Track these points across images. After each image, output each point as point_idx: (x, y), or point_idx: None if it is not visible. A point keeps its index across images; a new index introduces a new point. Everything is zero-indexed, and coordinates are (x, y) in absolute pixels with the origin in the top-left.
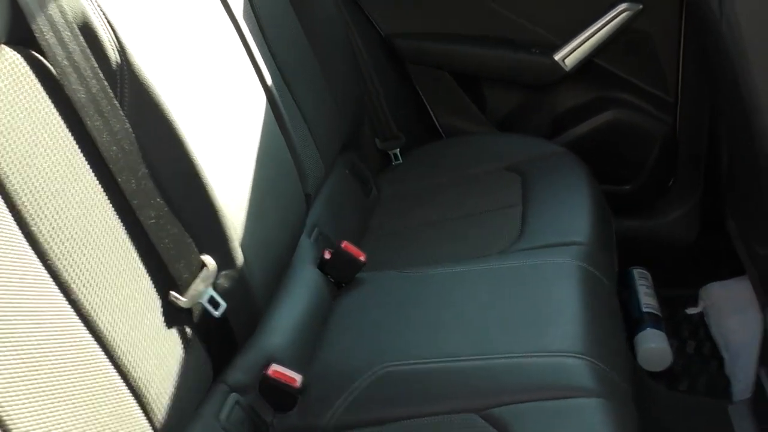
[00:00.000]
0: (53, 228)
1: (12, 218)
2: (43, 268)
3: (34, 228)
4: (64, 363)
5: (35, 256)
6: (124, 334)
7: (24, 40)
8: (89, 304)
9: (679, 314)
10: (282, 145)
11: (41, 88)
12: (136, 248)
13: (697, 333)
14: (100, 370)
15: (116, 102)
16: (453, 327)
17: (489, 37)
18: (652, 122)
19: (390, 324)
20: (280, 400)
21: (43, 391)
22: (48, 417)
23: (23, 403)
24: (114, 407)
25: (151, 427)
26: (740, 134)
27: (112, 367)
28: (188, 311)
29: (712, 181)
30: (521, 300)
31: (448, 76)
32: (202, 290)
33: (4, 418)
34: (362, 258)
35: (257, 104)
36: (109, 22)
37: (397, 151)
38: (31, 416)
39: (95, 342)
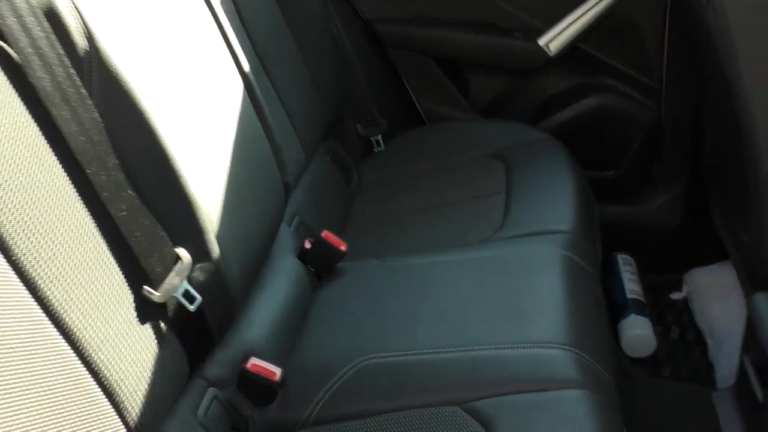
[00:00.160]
0: (18, 222)
1: None
2: (8, 264)
3: None
4: (31, 362)
5: None
6: (95, 331)
7: None
8: (57, 301)
9: (663, 300)
10: (260, 133)
11: (3, 76)
12: (106, 242)
13: (681, 319)
14: (69, 368)
15: (84, 90)
16: (434, 318)
17: (472, 22)
18: (637, 108)
19: (371, 316)
20: (260, 394)
21: (9, 393)
22: (14, 419)
23: None
24: (85, 407)
25: (124, 426)
26: (724, 121)
27: (82, 365)
28: (162, 306)
29: (696, 167)
30: (504, 290)
31: (431, 61)
32: (177, 284)
33: None
34: (343, 248)
35: (234, 92)
36: (75, 6)
37: (379, 137)
38: None
39: (64, 340)
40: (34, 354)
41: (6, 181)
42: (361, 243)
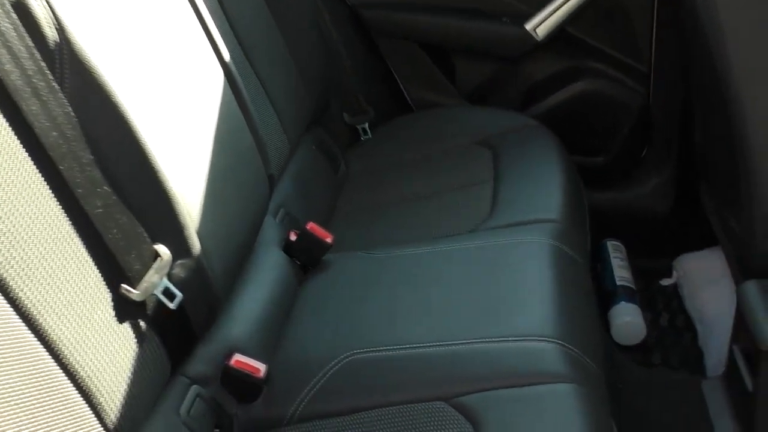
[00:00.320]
0: None
1: None
2: None
3: None
4: (2, 365)
5: None
6: (71, 331)
7: None
8: (30, 301)
9: (653, 286)
10: (242, 124)
11: None
12: (82, 240)
13: (671, 305)
14: (44, 370)
15: (55, 84)
16: (421, 311)
17: (459, 8)
18: (626, 93)
19: (356, 310)
20: (244, 391)
21: None
22: None
23: None
24: (61, 409)
25: (103, 428)
26: (714, 106)
27: (57, 367)
28: (141, 304)
29: (686, 152)
30: (491, 281)
31: (418, 48)
32: (156, 282)
33: None
34: (329, 240)
35: (214, 82)
36: None
37: (366, 125)
38: None
39: (38, 341)
40: (5, 356)
41: None
42: (348, 234)
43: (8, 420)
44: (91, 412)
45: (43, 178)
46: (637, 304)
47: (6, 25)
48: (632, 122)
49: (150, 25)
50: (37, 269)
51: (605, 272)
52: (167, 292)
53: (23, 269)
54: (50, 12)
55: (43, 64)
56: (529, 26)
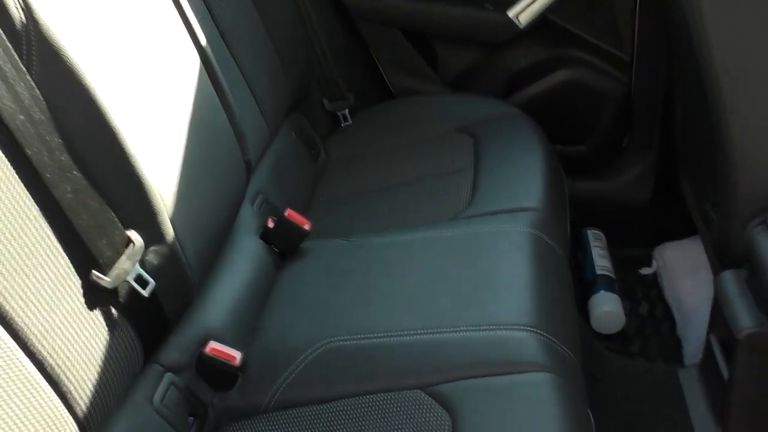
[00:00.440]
0: None
1: None
2: None
3: None
4: None
5: None
6: (38, 319)
7: None
8: None
9: (632, 275)
10: (218, 109)
11: None
12: (51, 225)
13: (650, 294)
14: (10, 359)
15: (22, 66)
16: (399, 299)
17: None
18: (608, 81)
19: (334, 297)
20: (220, 379)
21: None
22: None
23: None
24: (28, 398)
25: (72, 416)
26: (694, 96)
27: (24, 355)
28: (113, 291)
29: (667, 142)
30: (470, 270)
31: (399, 34)
32: (128, 268)
33: None
34: (307, 226)
35: (189, 65)
36: None
37: (346, 112)
38: None
39: (3, 329)
40: None
41: None
42: (327, 221)
43: None
44: (60, 401)
45: (9, 162)
46: (617, 294)
47: None
48: (614, 111)
49: (122, 5)
50: (5, 255)
51: (585, 261)
52: (140, 279)
53: None
54: None
55: (8, 45)
56: (511, 13)
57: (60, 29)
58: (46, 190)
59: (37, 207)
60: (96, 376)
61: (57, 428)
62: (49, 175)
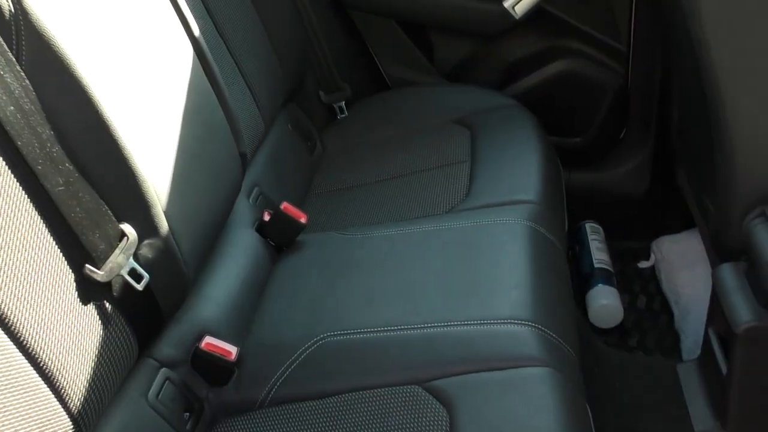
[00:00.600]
0: None
1: None
2: None
3: None
4: None
5: None
6: (31, 313)
7: None
8: None
9: (630, 268)
10: (213, 101)
11: None
12: (42, 218)
13: (648, 287)
14: (3, 354)
15: (11, 56)
16: (395, 293)
17: None
18: (605, 73)
19: (330, 291)
20: (215, 374)
21: None
22: None
23: None
24: (21, 393)
25: (66, 412)
26: (691, 89)
27: (17, 350)
28: (107, 285)
29: (664, 133)
30: (467, 263)
31: (395, 24)
32: (122, 262)
33: None
34: (303, 219)
35: (183, 57)
36: None
37: (343, 103)
38: None
39: None
40: None
41: None
42: (323, 215)
43: None
44: (53, 396)
45: None
46: (615, 287)
47: None
48: (610, 103)
49: None
50: None
51: (583, 254)
52: (134, 273)
53: None
54: None
55: None
56: (507, 4)
57: (50, 19)
58: (38, 182)
59: (28, 199)
60: (90, 371)
61: (51, 423)
62: (40, 167)
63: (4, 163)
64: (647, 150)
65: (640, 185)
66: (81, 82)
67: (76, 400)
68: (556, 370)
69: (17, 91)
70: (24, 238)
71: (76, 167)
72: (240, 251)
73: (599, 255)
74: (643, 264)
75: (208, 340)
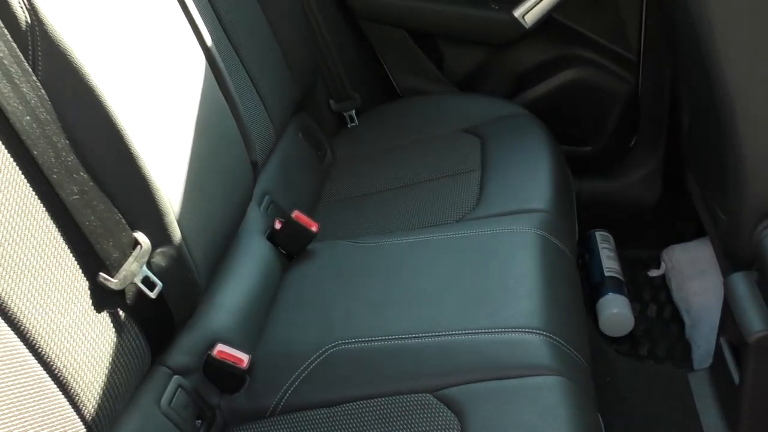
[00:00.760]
0: None
1: None
2: None
3: None
4: None
5: None
6: (46, 321)
7: None
8: (2, 290)
9: (641, 276)
10: (225, 110)
11: None
12: (58, 227)
13: (659, 296)
14: (18, 361)
15: (28, 66)
16: (406, 302)
17: None
18: (615, 81)
19: (341, 299)
20: (227, 381)
21: None
22: None
23: None
24: (36, 400)
25: (80, 419)
26: (701, 97)
27: (33, 357)
28: (120, 293)
29: (674, 142)
30: (478, 272)
31: (405, 33)
32: (135, 270)
33: None
34: (314, 228)
35: (195, 66)
36: None
37: (353, 112)
38: None
39: (11, 331)
40: None
41: None
42: (333, 224)
43: None
44: (68, 403)
45: (16, 163)
46: (626, 296)
47: None
48: (621, 111)
49: (127, 5)
50: (10, 257)
51: (593, 263)
52: (147, 281)
53: None
54: None
55: (14, 45)
56: (517, 13)
57: (65, 29)
58: (53, 191)
59: (44, 208)
60: (104, 378)
61: (65, 430)
62: (55, 176)
63: (20, 172)
64: (657, 158)
65: (650, 194)
66: (96, 91)
67: (89, 407)
68: (568, 379)
69: (33, 101)
70: (39, 246)
71: (90, 176)
72: (251, 259)
73: (609, 263)
74: (654, 272)
75: (220, 348)
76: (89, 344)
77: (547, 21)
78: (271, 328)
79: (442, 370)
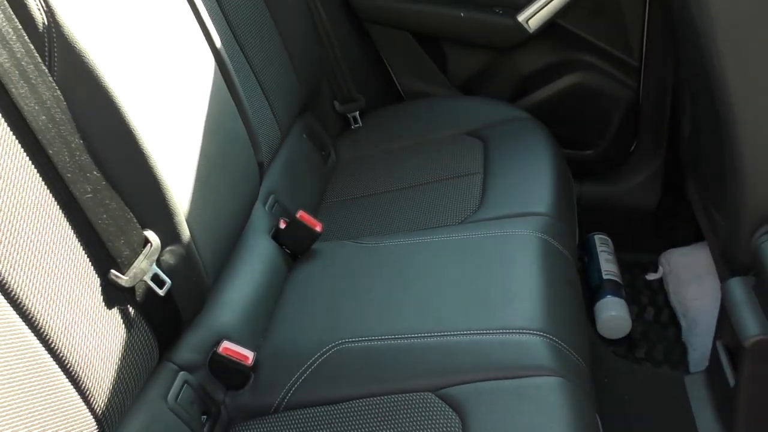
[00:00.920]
0: None
1: None
2: None
3: None
4: None
5: None
6: (59, 316)
7: None
8: (18, 285)
9: (639, 280)
10: (233, 111)
11: None
12: (71, 225)
13: (656, 299)
14: (32, 355)
15: (44, 67)
16: (409, 302)
17: None
18: (616, 86)
19: (345, 299)
20: (232, 378)
21: None
22: None
23: None
24: (49, 394)
25: (90, 413)
26: (702, 103)
27: (46, 351)
28: (130, 290)
29: (674, 147)
30: (480, 274)
31: (410, 36)
32: (145, 268)
33: None
34: (318, 228)
35: (205, 67)
36: None
37: (357, 114)
38: None
39: (26, 326)
40: None
41: None
42: (337, 224)
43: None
44: (79, 397)
45: (31, 162)
46: (624, 299)
47: None
48: (622, 116)
49: (140, 8)
50: (27, 254)
51: (592, 266)
52: (156, 279)
53: (11, 254)
54: None
55: (31, 46)
56: (521, 18)
57: (81, 31)
58: (67, 189)
59: (58, 206)
60: (114, 373)
61: (77, 424)
62: (69, 175)
63: (35, 171)
64: (658, 163)
65: (650, 198)
66: (109, 92)
67: (100, 402)
68: (568, 380)
69: (49, 102)
70: (54, 244)
71: (103, 175)
72: (256, 258)
73: (608, 266)
74: (651, 276)
75: (226, 345)
76: (100, 340)
77: (550, 26)
78: (275, 327)
79: (444, 370)
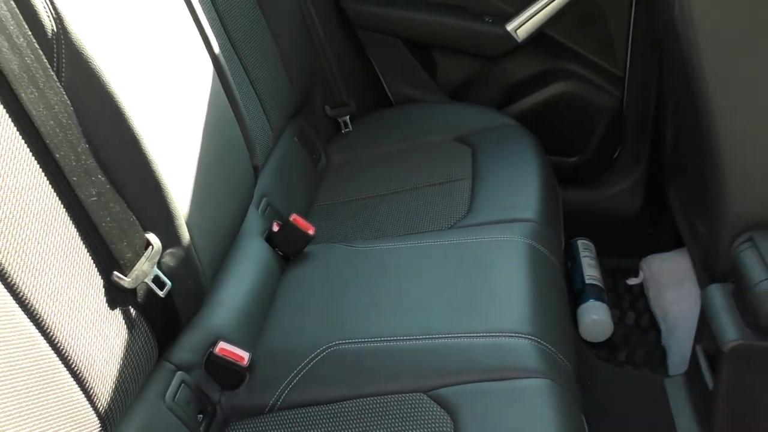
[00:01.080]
0: None
1: None
2: None
3: None
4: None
5: None
6: (64, 316)
7: None
8: (25, 286)
9: (620, 285)
10: (230, 116)
11: None
12: (76, 227)
13: (637, 304)
14: (38, 354)
15: (52, 73)
16: (400, 305)
17: (441, 5)
18: (601, 95)
19: (338, 301)
20: (228, 378)
21: None
22: None
23: None
24: (54, 392)
25: (93, 411)
26: (685, 113)
27: (52, 350)
28: (132, 291)
29: (657, 155)
30: (469, 278)
31: (400, 43)
32: (147, 270)
33: None
34: (311, 231)
35: (204, 74)
36: None
37: (347, 118)
38: None
39: (33, 325)
40: (2, 339)
41: None
42: (328, 228)
43: (4, 400)
44: (83, 395)
45: (39, 166)
46: (605, 302)
47: (4, 13)
48: (606, 124)
49: (144, 16)
50: (33, 255)
51: (575, 270)
52: (157, 281)
53: (19, 255)
54: (48, 1)
55: (41, 53)
56: (510, 27)
57: (88, 38)
58: (72, 192)
59: (64, 209)
60: (116, 372)
61: (80, 423)
62: (75, 179)
63: (43, 174)
64: (640, 170)
65: (632, 204)
66: (115, 98)
67: (103, 400)
68: (556, 382)
69: (57, 106)
70: (59, 245)
71: (107, 179)
72: (251, 260)
73: (590, 271)
74: (633, 281)
75: (222, 345)
76: (103, 339)
77: (538, 36)
78: (269, 328)
79: (435, 371)
